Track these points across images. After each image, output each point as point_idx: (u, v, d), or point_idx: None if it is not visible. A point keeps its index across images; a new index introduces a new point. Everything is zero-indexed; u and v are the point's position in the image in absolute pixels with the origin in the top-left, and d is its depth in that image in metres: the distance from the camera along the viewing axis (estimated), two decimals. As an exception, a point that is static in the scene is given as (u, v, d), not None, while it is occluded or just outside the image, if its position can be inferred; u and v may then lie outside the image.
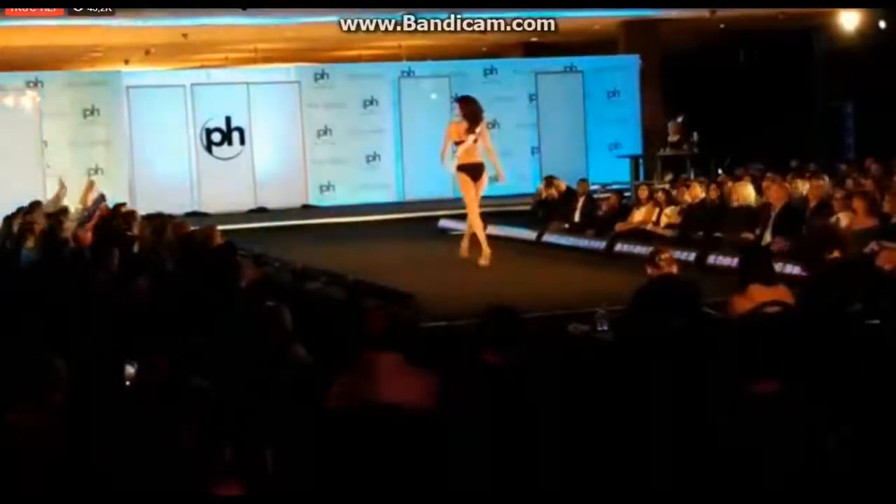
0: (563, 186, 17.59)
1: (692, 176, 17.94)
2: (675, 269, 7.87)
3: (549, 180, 18.17)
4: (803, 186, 13.98)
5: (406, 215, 19.70)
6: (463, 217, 18.24)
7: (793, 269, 10.27)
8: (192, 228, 11.72)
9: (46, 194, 17.74)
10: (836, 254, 9.24)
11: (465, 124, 12.89)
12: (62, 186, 16.36)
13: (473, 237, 13.28)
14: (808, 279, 9.17)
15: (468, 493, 4.35)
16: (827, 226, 11.38)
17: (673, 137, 20.37)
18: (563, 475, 4.36)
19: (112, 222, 12.83)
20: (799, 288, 7.37)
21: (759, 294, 6.82)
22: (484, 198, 13.37)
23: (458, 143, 12.86)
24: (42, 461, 4.17)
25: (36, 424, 4.29)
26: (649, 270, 7.83)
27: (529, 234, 15.93)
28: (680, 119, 20.18)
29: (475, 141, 12.84)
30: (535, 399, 4.72)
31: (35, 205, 14.02)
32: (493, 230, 16.86)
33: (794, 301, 6.90)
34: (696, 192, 14.47)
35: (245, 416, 5.00)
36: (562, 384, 4.96)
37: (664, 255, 7.96)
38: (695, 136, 19.83)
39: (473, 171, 12.90)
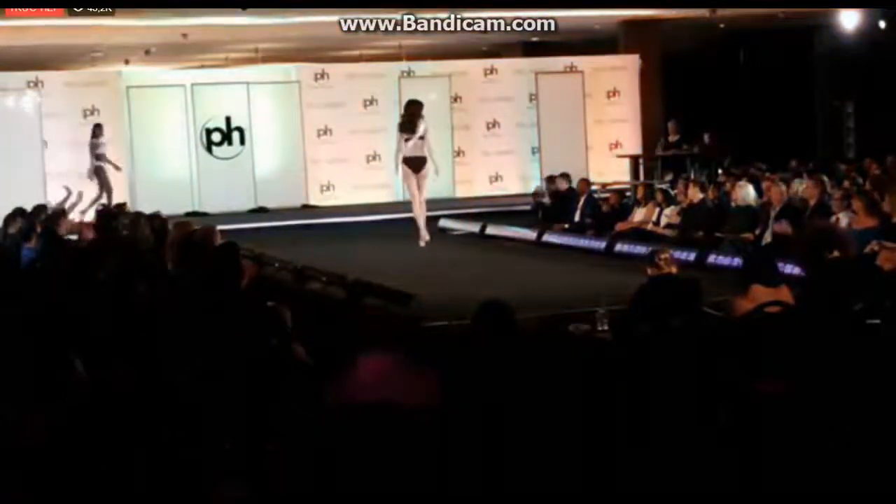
0: (564, 186, 17.58)
1: (692, 176, 17.96)
2: (675, 269, 7.89)
3: (550, 180, 18.17)
4: (801, 186, 13.99)
5: (406, 215, 19.66)
6: (463, 217, 18.39)
7: (793, 269, 10.26)
8: (195, 228, 11.70)
9: (46, 195, 17.72)
10: (836, 254, 9.23)
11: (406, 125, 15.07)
12: (80, 197, 16.34)
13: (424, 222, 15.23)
14: (808, 279, 9.17)
15: (468, 492, 4.35)
16: (825, 226, 11.37)
17: (673, 137, 20.39)
18: (561, 475, 4.36)
19: (112, 224, 12.80)
20: (800, 288, 7.37)
21: (760, 294, 6.82)
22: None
23: (406, 141, 14.90)
24: (54, 461, 4.17)
25: (52, 424, 4.29)
26: (649, 270, 7.85)
27: (529, 234, 15.92)
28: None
29: (421, 138, 14.90)
30: (535, 399, 4.72)
31: (40, 208, 13.96)
32: (493, 230, 16.92)
33: (796, 301, 6.91)
34: (696, 192, 14.46)
35: (245, 416, 5.00)
36: (561, 384, 4.96)
37: (664, 255, 7.98)
38: (706, 138, 20.04)
39: (414, 163, 14.95)
